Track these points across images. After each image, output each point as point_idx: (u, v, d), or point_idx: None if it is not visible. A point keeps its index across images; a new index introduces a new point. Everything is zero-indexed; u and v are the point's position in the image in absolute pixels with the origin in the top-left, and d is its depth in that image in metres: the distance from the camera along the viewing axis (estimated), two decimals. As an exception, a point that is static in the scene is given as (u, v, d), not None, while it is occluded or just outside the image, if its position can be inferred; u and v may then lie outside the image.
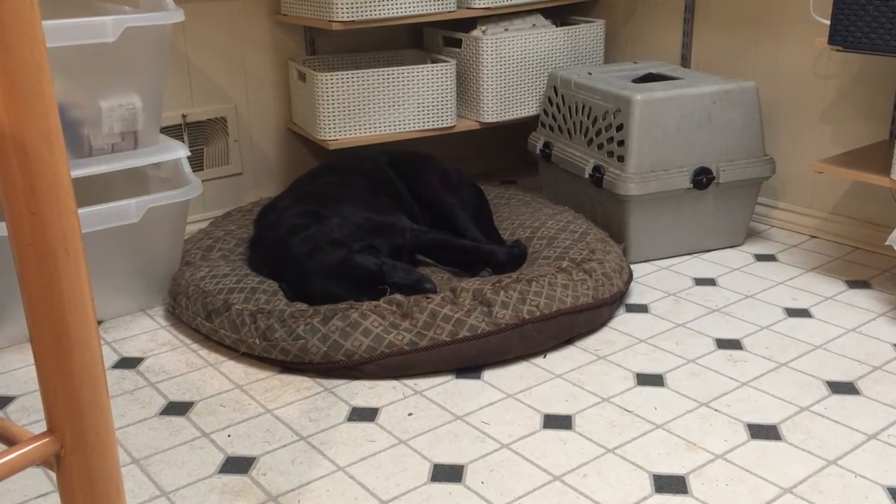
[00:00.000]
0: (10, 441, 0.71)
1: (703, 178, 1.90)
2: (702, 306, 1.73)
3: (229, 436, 1.32)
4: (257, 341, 1.50)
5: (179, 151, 1.71)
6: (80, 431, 0.66)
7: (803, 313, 1.69)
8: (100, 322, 1.72)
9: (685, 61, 2.27)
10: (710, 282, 1.85)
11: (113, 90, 1.62)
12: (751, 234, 2.09)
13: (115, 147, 1.68)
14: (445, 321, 1.47)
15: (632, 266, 1.91)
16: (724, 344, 1.57)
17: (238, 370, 1.52)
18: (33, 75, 0.57)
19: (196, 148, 2.15)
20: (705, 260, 1.96)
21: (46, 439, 0.66)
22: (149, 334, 1.67)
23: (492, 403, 1.39)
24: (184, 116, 2.11)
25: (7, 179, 0.59)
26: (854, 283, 1.81)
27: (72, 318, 0.64)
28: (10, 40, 0.57)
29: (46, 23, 1.45)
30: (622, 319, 1.68)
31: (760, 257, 1.97)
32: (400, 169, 1.95)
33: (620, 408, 1.37)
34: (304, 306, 1.53)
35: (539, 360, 1.53)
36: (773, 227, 2.15)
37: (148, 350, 1.60)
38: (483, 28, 2.22)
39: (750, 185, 1.97)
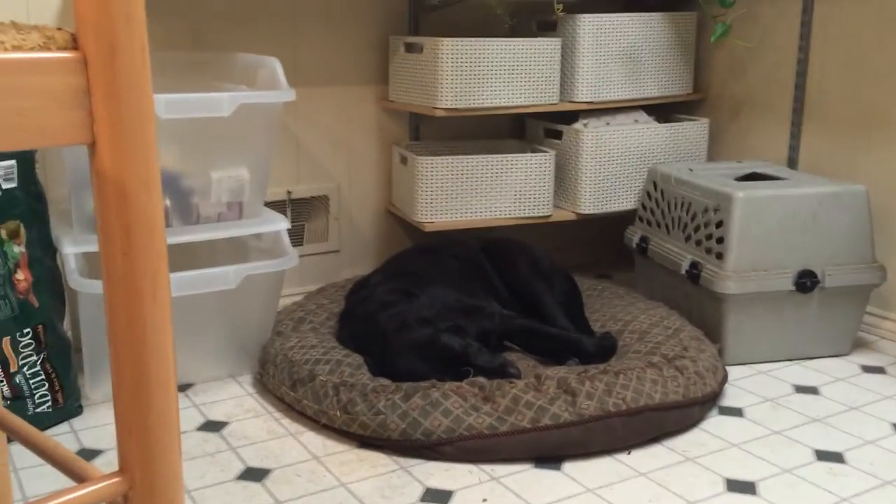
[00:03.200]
0: (81, 478, 0.72)
1: (807, 282, 1.83)
2: (802, 415, 1.64)
3: (301, 506, 1.31)
4: (338, 413, 1.50)
5: (280, 224, 1.77)
6: (150, 474, 0.67)
7: (914, 430, 1.58)
8: (190, 385, 1.76)
9: (792, 163, 2.22)
10: (812, 390, 1.75)
11: (223, 162, 1.70)
12: (858, 344, 1.99)
13: (221, 216, 1.75)
14: (527, 407, 1.44)
15: (727, 368, 1.83)
16: (824, 456, 1.48)
17: (317, 441, 1.52)
18: (138, 123, 0.61)
19: (297, 224, 2.22)
20: (807, 367, 1.87)
21: (116, 479, 0.67)
22: (235, 400, 1.69)
23: (570, 497, 1.34)
24: (289, 193, 2.19)
25: (105, 220, 0.62)
26: (972, 403, 1.69)
27: (152, 361, 0.65)
28: (121, 91, 0.60)
29: (168, 96, 1.55)
30: (714, 422, 1.61)
31: (868, 368, 1.86)
32: (492, 254, 1.96)
33: (707, 513, 1.30)
34: (386, 382, 1.53)
35: (623, 457, 1.47)
36: (884, 338, 2.04)
37: (233, 415, 1.63)
38: (584, 122, 2.24)
39: (858, 291, 1.88)
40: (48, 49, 0.60)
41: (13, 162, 1.49)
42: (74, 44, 0.61)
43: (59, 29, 0.62)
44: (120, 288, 0.63)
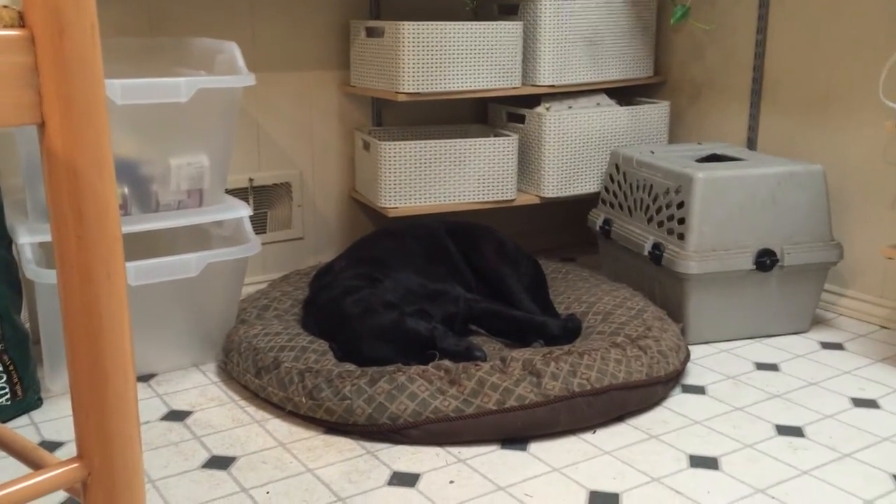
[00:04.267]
0: (39, 467, 0.71)
1: (766, 260, 1.86)
2: (762, 391, 1.66)
3: (268, 492, 1.30)
4: (303, 400, 1.49)
5: (242, 211, 1.75)
6: (109, 459, 0.66)
7: (871, 404, 1.61)
8: (153, 375, 1.74)
9: (751, 144, 2.25)
10: (773, 367, 1.78)
11: (182, 149, 1.68)
12: (817, 322, 2.02)
13: (181, 204, 1.73)
14: (493, 389, 1.45)
15: (690, 347, 1.85)
16: (784, 430, 1.51)
17: (283, 428, 1.51)
18: (89, 102, 0.60)
19: (260, 211, 2.20)
20: (768, 345, 1.90)
21: (74, 465, 0.66)
22: (199, 389, 1.68)
23: (536, 476, 1.35)
24: (250, 180, 2.17)
25: (57, 202, 0.61)
26: (927, 376, 1.73)
27: (109, 344, 0.64)
28: (70, 70, 0.59)
29: (124, 81, 1.52)
30: (677, 400, 1.63)
31: (827, 345, 1.90)
32: (457, 238, 1.96)
33: (671, 489, 1.31)
34: (352, 367, 1.53)
35: (588, 436, 1.48)
36: (841, 315, 2.08)
37: (197, 404, 1.61)
38: (547, 105, 2.25)
39: (816, 269, 1.91)
40: (-7, 27, 0.58)
41: (-35, 150, 1.46)
42: (22, 21, 0.60)
43: (6, 7, 0.60)
44: (74, 271, 0.62)
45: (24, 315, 1.61)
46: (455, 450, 1.43)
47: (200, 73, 1.77)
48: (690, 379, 1.72)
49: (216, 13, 2.04)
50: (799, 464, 1.39)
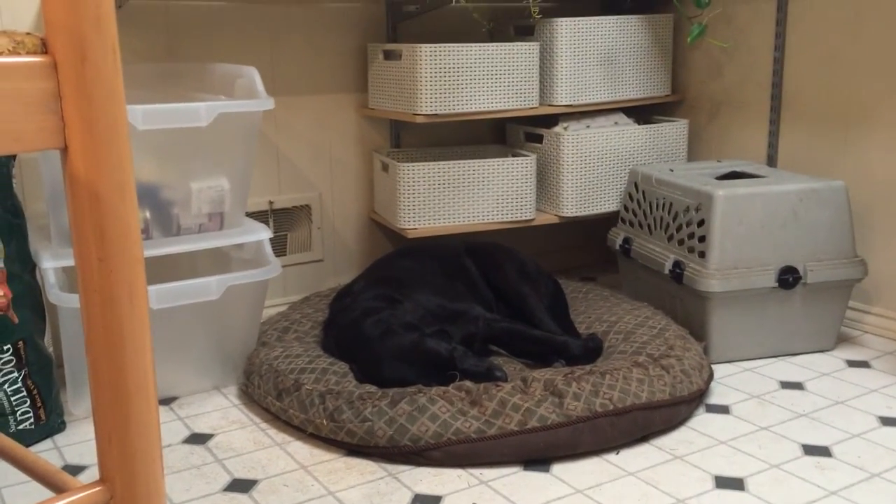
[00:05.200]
0: (62, 491, 0.71)
1: (789, 278, 1.84)
2: (788, 410, 1.64)
3: (289, 516, 1.30)
4: (325, 422, 1.49)
5: (262, 233, 1.76)
6: (131, 481, 0.66)
7: (899, 422, 1.58)
8: (175, 398, 1.74)
9: (771, 161, 2.23)
10: (798, 385, 1.76)
11: (203, 173, 1.69)
12: (842, 339, 2.00)
13: (202, 227, 1.74)
14: (515, 410, 1.44)
15: (713, 366, 1.84)
16: (811, 450, 1.48)
17: (304, 451, 1.51)
18: (111, 126, 0.60)
19: (280, 234, 2.21)
20: (792, 363, 1.87)
21: (97, 488, 0.66)
22: (221, 412, 1.68)
23: (559, 498, 1.33)
24: (270, 203, 2.18)
25: (79, 225, 0.62)
26: (956, 394, 1.70)
27: (131, 366, 0.65)
28: (92, 93, 0.60)
29: (145, 107, 1.54)
30: (701, 419, 1.61)
31: (852, 363, 1.87)
32: (476, 258, 1.96)
33: (696, 510, 1.30)
34: (372, 388, 1.52)
35: (611, 457, 1.47)
36: (867, 332, 2.05)
37: (218, 427, 1.61)
38: (564, 125, 2.25)
39: (840, 286, 1.89)
40: (17, 54, 0.59)
41: (-10, 177, 1.48)
42: (44, 48, 0.61)
43: (29, 33, 0.61)
44: (96, 294, 0.63)
45: (47, 339, 1.62)
46: (477, 471, 1.42)
47: (220, 97, 1.79)
48: (714, 398, 1.70)
49: (235, 39, 2.07)
50: (827, 484, 1.37)
